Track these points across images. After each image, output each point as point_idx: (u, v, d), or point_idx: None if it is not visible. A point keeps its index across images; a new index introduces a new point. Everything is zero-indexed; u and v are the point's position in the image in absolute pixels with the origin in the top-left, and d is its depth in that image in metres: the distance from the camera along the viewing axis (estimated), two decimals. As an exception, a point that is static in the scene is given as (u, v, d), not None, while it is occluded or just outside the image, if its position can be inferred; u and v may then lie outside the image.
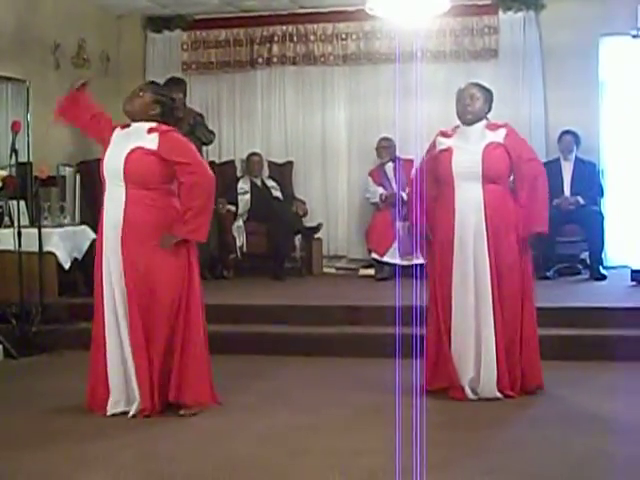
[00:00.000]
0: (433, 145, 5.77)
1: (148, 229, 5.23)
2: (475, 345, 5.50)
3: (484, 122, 5.65)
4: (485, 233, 5.47)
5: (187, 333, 5.29)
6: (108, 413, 5.27)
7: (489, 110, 5.73)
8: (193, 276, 5.35)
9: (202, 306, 5.43)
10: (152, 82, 5.81)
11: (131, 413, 5.24)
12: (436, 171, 5.67)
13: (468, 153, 5.54)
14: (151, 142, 5.27)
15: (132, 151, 5.24)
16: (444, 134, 5.73)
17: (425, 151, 5.85)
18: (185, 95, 9.41)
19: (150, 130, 5.31)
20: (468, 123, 5.64)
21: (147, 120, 5.37)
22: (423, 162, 5.83)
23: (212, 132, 9.67)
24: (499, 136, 5.58)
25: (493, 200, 5.51)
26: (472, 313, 5.49)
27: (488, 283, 5.46)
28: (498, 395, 5.47)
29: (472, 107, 5.62)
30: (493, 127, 5.64)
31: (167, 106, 5.48)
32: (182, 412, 5.29)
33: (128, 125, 5.44)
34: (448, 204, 5.58)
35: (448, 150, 5.61)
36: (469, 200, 5.51)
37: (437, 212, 5.67)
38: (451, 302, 5.54)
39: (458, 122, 5.73)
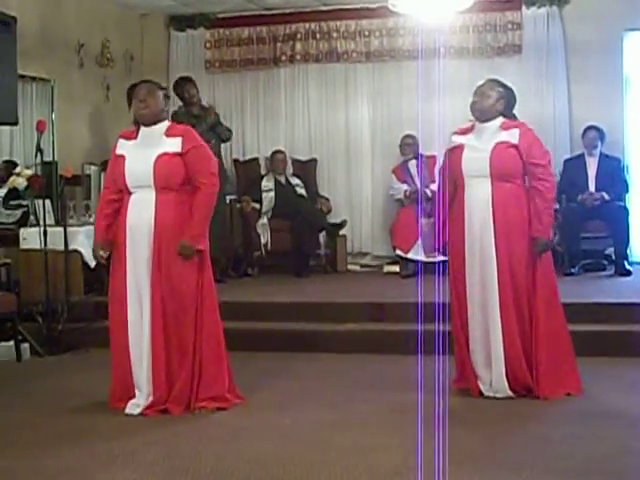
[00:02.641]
0: (449, 143, 5.74)
1: (178, 228, 5.30)
2: (485, 343, 5.49)
3: (499, 120, 5.56)
4: (493, 231, 5.43)
5: (204, 332, 5.35)
6: (127, 411, 5.32)
7: (507, 109, 5.62)
8: (206, 275, 5.41)
9: (216, 304, 5.47)
10: (148, 81, 5.77)
11: (142, 406, 5.30)
12: (449, 169, 5.70)
13: (478, 151, 5.50)
14: (175, 146, 5.32)
15: (159, 157, 5.29)
16: (459, 132, 5.71)
17: (445, 151, 5.83)
18: (198, 92, 9.37)
19: (169, 133, 5.38)
20: (478, 120, 5.61)
21: (161, 120, 5.42)
22: (444, 162, 5.85)
23: (229, 129, 9.64)
24: (512, 136, 5.49)
25: (503, 198, 5.46)
26: (481, 311, 5.47)
27: (495, 281, 5.42)
28: (510, 393, 5.44)
29: (480, 104, 5.58)
30: (507, 126, 5.54)
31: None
32: (200, 410, 5.33)
33: (132, 133, 5.47)
34: (460, 202, 5.58)
35: (459, 147, 5.60)
36: (478, 198, 5.48)
37: (452, 210, 5.66)
38: (466, 300, 5.54)
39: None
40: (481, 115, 5.58)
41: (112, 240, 5.44)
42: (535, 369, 5.46)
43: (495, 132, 5.54)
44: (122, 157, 5.41)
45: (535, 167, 5.49)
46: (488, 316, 5.45)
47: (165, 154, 5.30)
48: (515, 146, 5.48)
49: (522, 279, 5.46)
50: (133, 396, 5.34)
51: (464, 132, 5.67)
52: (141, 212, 5.31)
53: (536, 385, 5.45)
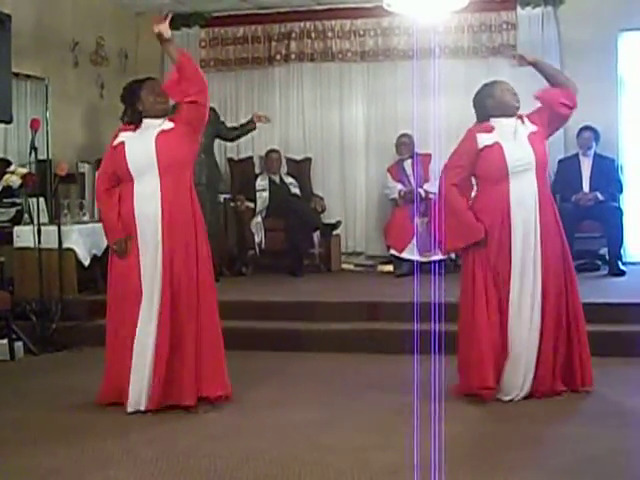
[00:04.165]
0: (470, 140, 5.55)
1: (184, 215, 5.30)
2: (526, 342, 5.40)
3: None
4: (539, 226, 5.40)
5: (204, 327, 5.33)
6: (129, 410, 5.29)
7: None
8: (209, 272, 5.41)
9: (216, 301, 5.45)
10: (150, 78, 5.80)
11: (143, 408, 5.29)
12: (480, 169, 5.51)
13: (518, 146, 5.46)
14: (168, 124, 5.40)
15: (159, 134, 5.34)
16: (483, 130, 5.56)
17: (460, 147, 5.60)
18: None
19: (164, 120, 5.45)
20: (513, 114, 5.56)
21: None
22: (458, 159, 5.58)
23: (230, 128, 9.64)
24: (528, 126, 5.55)
25: (544, 191, 5.47)
26: (528, 311, 5.38)
27: (539, 279, 5.38)
28: (525, 393, 5.41)
29: (518, 97, 5.58)
30: (521, 119, 5.59)
31: None
32: (202, 408, 5.32)
33: (134, 126, 5.47)
34: (500, 202, 5.42)
35: (496, 146, 5.46)
36: (525, 194, 5.41)
37: (483, 210, 5.48)
38: (506, 301, 5.39)
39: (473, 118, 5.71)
40: (519, 107, 5.59)
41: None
42: (582, 364, 5.50)
43: (515, 125, 5.53)
44: (121, 144, 5.39)
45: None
46: (533, 312, 5.39)
47: (163, 131, 5.35)
48: (538, 132, 5.54)
49: (558, 276, 5.48)
50: (125, 397, 5.31)
51: (487, 131, 5.55)
52: (147, 205, 5.26)
53: (583, 379, 5.52)
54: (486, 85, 5.69)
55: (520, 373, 5.40)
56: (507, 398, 5.42)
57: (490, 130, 5.54)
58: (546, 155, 5.58)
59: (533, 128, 5.55)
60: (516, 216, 5.40)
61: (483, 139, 5.52)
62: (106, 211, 5.46)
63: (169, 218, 5.25)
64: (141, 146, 5.32)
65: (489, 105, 5.58)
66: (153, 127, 5.39)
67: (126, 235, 5.32)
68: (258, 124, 9.75)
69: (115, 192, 5.40)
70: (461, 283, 5.59)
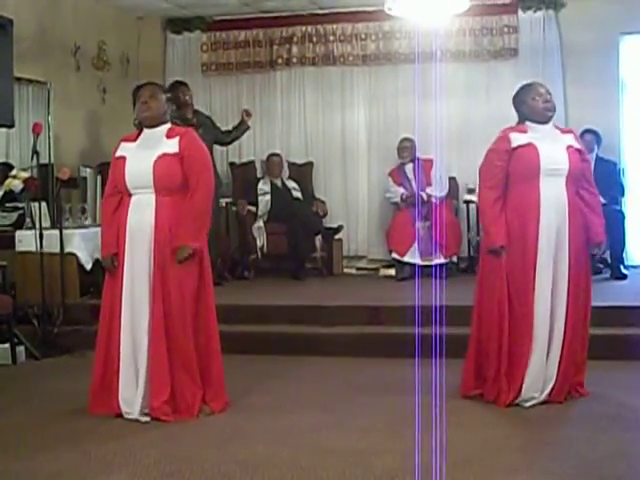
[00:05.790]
0: (503, 141, 5.45)
1: (176, 232, 5.25)
2: (548, 347, 5.36)
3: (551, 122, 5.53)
4: (567, 233, 5.33)
5: (202, 336, 5.34)
6: (131, 417, 5.26)
7: None
8: (206, 281, 5.39)
9: (214, 308, 5.44)
10: (151, 83, 5.74)
11: (137, 414, 5.25)
12: (512, 167, 5.40)
13: (553, 150, 5.38)
14: (172, 147, 5.31)
15: (159, 158, 5.27)
16: (517, 130, 5.47)
17: (493, 149, 5.50)
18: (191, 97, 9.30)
19: (169, 134, 5.36)
20: (547, 121, 5.47)
21: (163, 122, 5.41)
22: (492, 161, 5.49)
23: (225, 132, 9.60)
24: (572, 140, 5.49)
25: (573, 200, 5.39)
26: (549, 315, 5.32)
27: (565, 286, 5.32)
28: (543, 398, 5.37)
29: (552, 104, 5.49)
30: (561, 130, 5.55)
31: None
32: (204, 412, 5.33)
33: (133, 136, 5.46)
34: (529, 201, 5.35)
35: (530, 145, 5.37)
36: (554, 198, 5.33)
37: (510, 210, 5.41)
38: (529, 305, 5.31)
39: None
40: (553, 115, 5.50)
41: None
42: (581, 369, 5.53)
43: (554, 133, 5.48)
44: (122, 158, 5.37)
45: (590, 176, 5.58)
46: (555, 318, 5.34)
47: (165, 155, 5.28)
48: (580, 150, 5.49)
49: (582, 285, 5.42)
50: (116, 406, 5.29)
51: (521, 132, 5.46)
52: (141, 215, 5.26)
53: (582, 384, 5.55)
54: (522, 88, 5.59)
55: (540, 380, 5.36)
56: (527, 404, 5.36)
57: (524, 131, 5.46)
58: (581, 168, 5.45)
59: (574, 144, 5.47)
60: (545, 218, 5.33)
61: (516, 139, 5.42)
62: (105, 226, 5.49)
63: (161, 232, 5.23)
64: (140, 165, 5.28)
65: (523, 110, 5.51)
66: (154, 141, 5.34)
67: (115, 252, 5.35)
68: (250, 122, 9.69)
69: (118, 209, 5.39)
70: (482, 285, 5.52)
